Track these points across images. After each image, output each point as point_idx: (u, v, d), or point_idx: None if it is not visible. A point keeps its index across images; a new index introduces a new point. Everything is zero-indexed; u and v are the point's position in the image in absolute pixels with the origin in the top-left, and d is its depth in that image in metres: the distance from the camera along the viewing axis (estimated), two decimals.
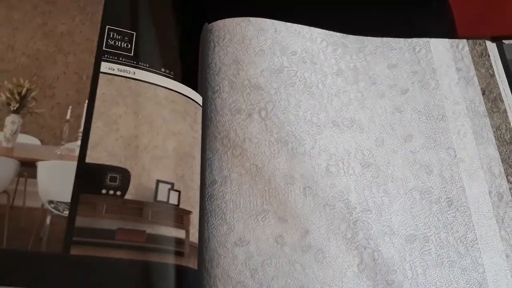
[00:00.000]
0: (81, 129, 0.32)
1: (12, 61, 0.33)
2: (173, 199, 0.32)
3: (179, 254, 0.32)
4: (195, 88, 0.37)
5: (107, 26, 0.35)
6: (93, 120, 0.32)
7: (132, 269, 0.30)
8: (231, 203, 0.37)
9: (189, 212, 0.33)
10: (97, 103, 0.32)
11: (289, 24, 0.44)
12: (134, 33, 0.35)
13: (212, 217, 0.36)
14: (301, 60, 0.42)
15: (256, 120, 0.39)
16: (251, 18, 0.43)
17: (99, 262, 0.29)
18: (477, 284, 0.36)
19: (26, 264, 0.29)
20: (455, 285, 0.36)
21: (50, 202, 0.30)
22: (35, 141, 0.32)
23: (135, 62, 0.34)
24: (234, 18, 0.43)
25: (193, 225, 0.33)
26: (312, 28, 0.44)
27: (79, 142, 0.31)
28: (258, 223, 0.36)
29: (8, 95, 0.32)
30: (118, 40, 0.35)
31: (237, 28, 0.43)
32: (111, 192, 0.31)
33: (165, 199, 0.32)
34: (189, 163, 0.34)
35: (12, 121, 0.32)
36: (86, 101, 0.32)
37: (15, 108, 0.32)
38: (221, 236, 0.36)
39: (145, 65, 0.35)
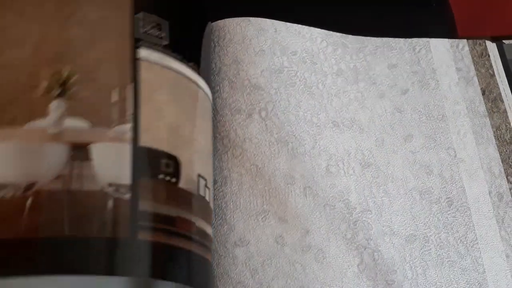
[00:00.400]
0: (129, 112, 0.30)
1: (47, 51, 0.32)
2: (207, 196, 0.32)
3: (209, 250, 0.32)
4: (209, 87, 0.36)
5: (141, 12, 0.33)
6: (141, 105, 0.30)
7: (190, 260, 0.29)
8: (231, 203, 0.37)
9: (212, 211, 0.33)
10: (140, 87, 0.31)
11: (289, 24, 0.44)
12: (168, 22, 0.34)
13: (212, 217, 0.36)
14: (301, 60, 0.42)
15: (256, 120, 0.39)
16: (251, 18, 0.43)
17: (165, 249, 0.28)
18: (477, 284, 0.36)
19: (95, 250, 0.27)
20: (455, 285, 0.36)
21: (110, 185, 0.29)
22: (83, 124, 0.30)
23: (170, 51, 0.33)
24: (234, 18, 0.43)
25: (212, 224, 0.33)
26: (312, 28, 0.44)
27: (128, 126, 0.30)
28: (258, 223, 0.36)
29: (51, 82, 0.31)
30: (152, 27, 0.33)
31: (237, 28, 0.43)
32: (168, 178, 0.30)
33: (203, 194, 0.31)
34: (210, 161, 0.34)
35: (56, 106, 0.30)
36: (129, 85, 0.31)
37: (58, 93, 0.30)
38: (221, 236, 0.36)
39: (180, 56, 0.33)
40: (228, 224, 0.36)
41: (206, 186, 0.32)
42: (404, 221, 0.38)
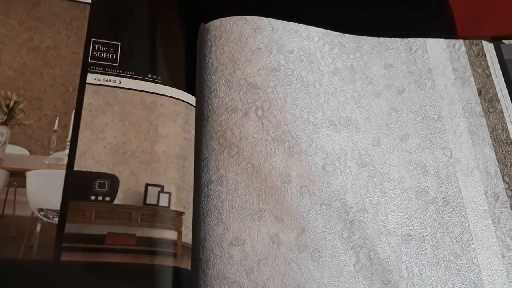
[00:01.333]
0: (69, 138, 0.33)
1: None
2: (163, 201, 0.33)
3: (171, 255, 0.32)
4: (188, 89, 0.37)
5: (92, 39, 0.36)
6: (80, 130, 0.33)
7: (124, 273, 0.30)
8: (227, 203, 0.36)
9: (181, 213, 0.33)
10: (84, 113, 0.34)
11: (286, 22, 0.44)
12: (119, 44, 0.36)
13: (208, 217, 0.36)
14: (298, 59, 0.42)
15: (253, 119, 0.39)
16: (247, 17, 0.43)
17: (90, 267, 0.29)
18: (472, 284, 0.36)
19: (17, 272, 0.29)
20: (450, 285, 0.36)
21: (40, 210, 0.31)
22: (23, 151, 0.33)
23: (120, 71, 0.36)
24: (231, 17, 0.43)
25: (186, 225, 0.33)
26: (309, 27, 0.44)
27: (67, 151, 0.32)
28: (254, 223, 0.36)
29: None
30: (104, 51, 0.36)
31: (234, 27, 0.43)
32: (100, 198, 0.32)
33: (154, 202, 0.33)
34: (180, 164, 0.35)
35: (0, 132, 0.33)
36: (73, 112, 0.33)
37: (3, 120, 0.33)
38: (217, 236, 0.35)
39: (131, 73, 0.36)
40: (223, 224, 0.36)
41: (161, 192, 0.33)
42: (400, 220, 0.38)
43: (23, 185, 0.31)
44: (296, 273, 0.35)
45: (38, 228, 0.30)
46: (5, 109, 0.33)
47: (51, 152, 0.33)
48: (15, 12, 0.36)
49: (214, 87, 0.40)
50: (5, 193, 0.31)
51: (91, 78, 0.35)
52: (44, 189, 0.32)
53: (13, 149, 0.32)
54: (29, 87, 0.34)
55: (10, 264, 0.29)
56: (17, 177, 0.32)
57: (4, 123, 0.33)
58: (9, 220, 0.31)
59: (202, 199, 0.37)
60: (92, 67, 0.35)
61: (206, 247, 0.35)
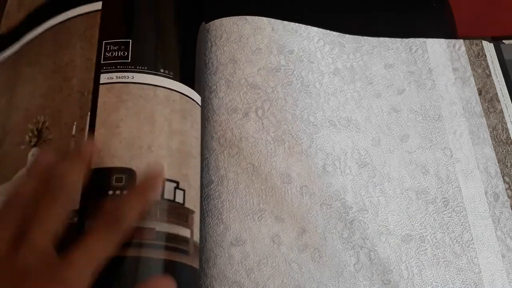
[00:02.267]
0: (85, 139, 0.33)
1: (33, 105, 0.36)
2: (179, 198, 0.32)
3: (185, 253, 0.31)
4: (194, 87, 0.37)
5: (103, 41, 0.36)
6: (96, 128, 0.33)
7: (143, 266, 0.30)
8: (227, 203, 0.36)
9: (193, 212, 0.33)
10: (98, 111, 0.34)
11: (286, 22, 0.44)
12: (130, 40, 0.36)
13: (208, 217, 0.36)
14: (298, 59, 0.42)
15: (253, 119, 0.39)
16: (248, 17, 0.43)
17: (111, 261, 0.29)
18: (473, 284, 0.36)
19: None
20: (451, 285, 0.36)
21: None
22: None
23: (132, 67, 0.35)
24: (231, 17, 0.43)
25: (195, 224, 0.33)
26: (309, 27, 0.44)
27: None
28: (255, 223, 0.36)
29: (30, 134, 0.35)
30: (115, 50, 0.36)
31: (234, 27, 0.43)
32: (118, 192, 0.31)
33: (171, 198, 0.32)
34: (191, 162, 0.34)
35: (32, 154, 0.34)
36: (89, 113, 0.34)
37: (34, 142, 0.35)
38: (217, 236, 0.35)
39: (143, 68, 0.35)
40: (224, 224, 0.36)
41: (177, 188, 0.33)
42: (400, 221, 0.38)
43: None
44: (296, 273, 0.35)
45: (62, 229, 0.31)
46: (36, 132, 0.35)
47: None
48: (44, 48, 0.38)
49: (215, 87, 0.40)
50: None
51: (104, 78, 0.35)
52: None
53: None
54: (52, 104, 0.36)
55: None
56: None
57: (35, 145, 0.35)
58: None
59: (202, 199, 0.37)
60: (104, 68, 0.35)
61: (206, 247, 0.35)
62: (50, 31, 0.39)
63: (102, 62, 0.35)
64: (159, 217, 0.31)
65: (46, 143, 0.34)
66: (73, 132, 0.34)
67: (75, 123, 0.34)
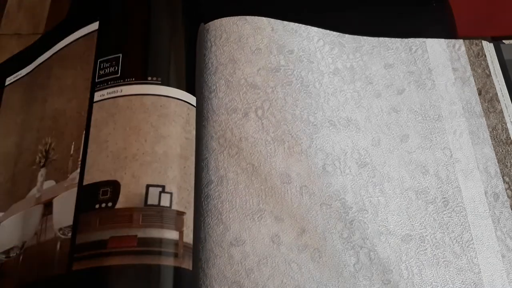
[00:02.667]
0: (80, 157, 0.35)
1: (43, 127, 0.38)
2: (165, 201, 0.33)
3: (172, 255, 0.32)
4: (188, 89, 0.37)
5: (98, 60, 0.38)
6: (88, 146, 0.35)
7: (126, 274, 0.31)
8: (227, 203, 0.36)
9: (182, 213, 0.33)
10: (91, 130, 0.35)
11: (285, 22, 0.44)
12: (120, 55, 0.37)
13: (208, 217, 0.36)
14: (298, 59, 0.42)
15: (253, 119, 0.39)
16: (247, 17, 0.43)
17: (96, 272, 0.30)
18: (472, 284, 0.36)
19: None
20: (450, 285, 0.36)
21: (60, 229, 0.33)
22: (52, 183, 0.36)
23: (122, 81, 0.36)
24: (231, 17, 0.43)
25: (187, 225, 0.33)
26: (309, 27, 0.44)
27: (79, 170, 0.34)
28: (254, 223, 0.36)
29: (40, 155, 0.37)
30: (108, 67, 0.37)
31: (234, 27, 0.43)
32: (103, 205, 0.32)
33: (155, 202, 0.33)
34: (181, 164, 0.35)
35: (41, 174, 0.37)
36: (84, 132, 0.35)
37: (43, 164, 0.37)
38: (217, 236, 0.35)
39: (131, 79, 0.36)
40: (223, 224, 0.36)
41: (162, 192, 0.33)
42: (400, 221, 0.38)
43: (51, 212, 0.35)
44: (296, 273, 0.35)
45: (58, 245, 0.33)
46: (44, 153, 0.37)
47: (68, 175, 0.35)
48: (53, 71, 0.40)
49: (214, 87, 0.40)
50: (41, 223, 0.34)
51: (97, 96, 0.36)
52: (63, 209, 0.34)
53: (46, 184, 0.36)
54: (57, 125, 0.38)
55: (37, 285, 0.32)
56: (48, 206, 0.35)
57: (43, 165, 0.37)
58: (43, 246, 0.33)
59: (202, 199, 0.37)
60: (98, 86, 0.36)
61: (206, 247, 0.35)
62: (56, 55, 0.41)
63: (96, 80, 0.37)
64: (141, 223, 0.32)
65: (51, 164, 0.36)
66: (71, 152, 0.35)
67: (73, 142, 0.36)
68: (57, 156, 0.36)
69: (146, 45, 0.38)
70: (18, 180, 0.37)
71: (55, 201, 0.34)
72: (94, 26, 0.39)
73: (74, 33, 0.40)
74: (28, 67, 0.43)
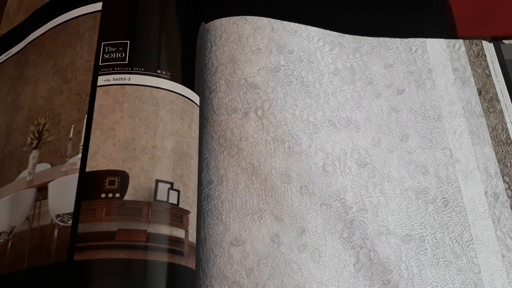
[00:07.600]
0: (81, 142, 0.33)
1: (35, 107, 0.37)
2: (173, 199, 0.33)
3: (179, 253, 0.31)
4: (192, 88, 0.37)
5: (102, 43, 0.36)
6: (92, 131, 0.33)
7: (134, 269, 0.30)
8: (227, 203, 0.36)
9: (188, 212, 0.33)
10: (95, 114, 0.34)
11: (286, 22, 0.44)
12: (128, 42, 0.36)
13: (208, 217, 0.36)
14: (298, 59, 0.42)
15: (253, 119, 0.39)
16: (247, 17, 0.43)
17: (101, 264, 0.29)
18: (472, 284, 0.36)
19: (38, 279, 0.30)
20: (450, 285, 0.36)
21: (57, 216, 0.32)
22: (47, 166, 0.34)
23: (129, 68, 0.35)
24: (231, 17, 0.43)
25: (191, 225, 0.33)
26: (309, 27, 0.44)
27: (80, 155, 0.33)
28: (254, 223, 0.36)
29: (32, 136, 0.35)
30: (113, 52, 0.36)
31: (234, 27, 0.43)
32: (110, 195, 0.31)
33: (164, 199, 0.32)
34: (188, 163, 0.34)
35: (32, 156, 0.35)
36: (86, 116, 0.34)
37: (35, 145, 0.35)
38: (217, 236, 0.35)
39: (140, 69, 0.35)
40: (223, 224, 0.36)
41: (171, 189, 0.33)
42: (400, 221, 0.38)
43: (45, 197, 0.33)
44: (296, 273, 0.35)
45: (56, 233, 0.31)
46: (36, 134, 0.35)
47: (67, 160, 0.33)
48: (46, 49, 0.39)
49: (214, 87, 0.40)
50: (33, 208, 0.33)
51: (101, 80, 0.35)
52: (61, 195, 0.32)
53: (40, 167, 0.34)
54: (52, 106, 0.36)
55: (32, 272, 0.31)
56: (42, 191, 0.33)
57: (36, 147, 0.35)
58: (35, 232, 0.32)
59: (202, 199, 0.37)
60: (102, 70, 0.35)
61: (206, 247, 0.35)
62: (51, 32, 0.39)
63: (100, 64, 0.35)
64: (151, 218, 0.31)
65: (46, 146, 0.34)
66: (71, 135, 0.34)
67: (73, 125, 0.34)
68: (53, 138, 0.35)
69: (159, 37, 0.37)
70: (7, 162, 0.36)
71: (50, 186, 0.33)
72: (96, 6, 0.38)
73: (73, 11, 0.39)
74: (19, 44, 0.41)
